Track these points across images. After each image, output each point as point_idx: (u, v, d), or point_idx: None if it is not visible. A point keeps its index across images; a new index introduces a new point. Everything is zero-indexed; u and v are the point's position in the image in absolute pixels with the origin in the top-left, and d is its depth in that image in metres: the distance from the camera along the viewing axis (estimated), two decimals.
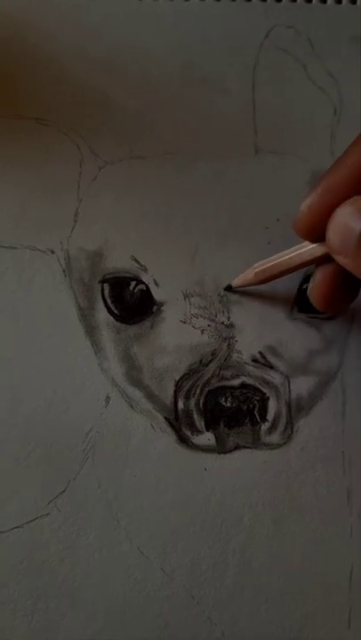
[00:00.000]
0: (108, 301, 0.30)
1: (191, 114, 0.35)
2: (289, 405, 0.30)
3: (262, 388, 0.30)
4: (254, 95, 0.35)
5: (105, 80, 0.35)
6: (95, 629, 0.26)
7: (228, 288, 0.31)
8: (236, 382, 0.29)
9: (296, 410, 0.30)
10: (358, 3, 0.38)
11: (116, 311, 0.30)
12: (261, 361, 0.30)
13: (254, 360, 0.30)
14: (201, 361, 0.30)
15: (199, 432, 0.29)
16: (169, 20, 0.36)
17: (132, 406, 0.29)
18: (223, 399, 0.29)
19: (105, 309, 0.30)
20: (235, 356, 0.30)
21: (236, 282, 0.30)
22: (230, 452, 0.29)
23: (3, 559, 0.27)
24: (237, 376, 0.30)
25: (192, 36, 0.37)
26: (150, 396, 0.29)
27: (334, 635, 0.27)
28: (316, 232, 0.26)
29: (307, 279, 0.31)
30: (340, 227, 0.24)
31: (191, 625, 0.27)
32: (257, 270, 0.29)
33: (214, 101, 0.35)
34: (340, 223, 0.24)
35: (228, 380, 0.30)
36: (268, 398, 0.30)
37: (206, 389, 0.29)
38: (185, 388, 0.29)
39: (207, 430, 0.29)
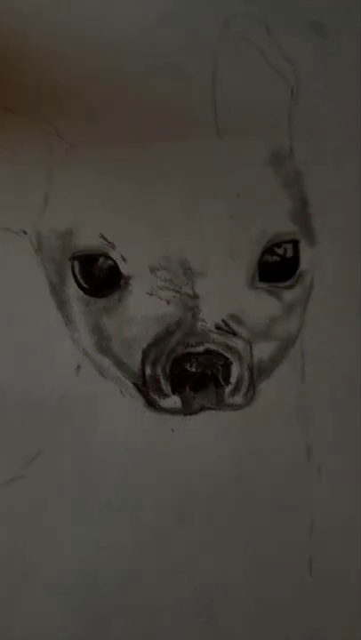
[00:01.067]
0: (78, 277, 0.33)
1: (156, 99, 0.37)
2: (251, 369, 0.32)
3: (225, 354, 0.32)
4: (215, 80, 0.37)
5: (72, 70, 0.37)
6: (69, 578, 0.28)
7: None
8: (200, 349, 0.32)
9: (258, 373, 0.32)
10: None
11: (85, 285, 0.33)
12: (225, 328, 0.32)
13: (218, 328, 0.32)
14: (167, 330, 0.32)
15: (166, 396, 0.31)
16: (134, 13, 0.38)
17: (102, 374, 0.31)
18: (188, 365, 0.31)
19: (75, 284, 0.33)
20: (199, 324, 0.32)
21: None
22: (196, 413, 0.31)
23: None
24: (202, 343, 0.32)
25: (156, 27, 0.39)
26: (119, 364, 0.31)
27: (297, 579, 0.29)
28: None
29: (267, 251, 0.33)
30: None
31: (160, 572, 0.29)
32: None
33: (177, 87, 0.38)
34: None
35: (193, 346, 0.32)
36: (231, 363, 0.32)
37: (172, 356, 0.31)
38: (152, 356, 0.31)
39: (173, 394, 0.31)
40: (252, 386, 0.33)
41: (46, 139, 0.36)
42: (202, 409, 0.32)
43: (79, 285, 0.34)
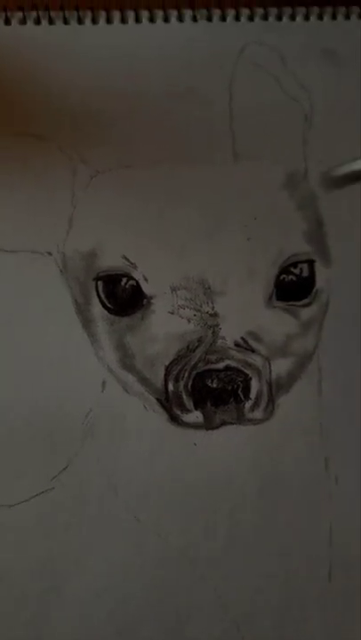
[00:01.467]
0: (102, 296, 0.34)
1: (176, 124, 0.39)
2: (270, 384, 0.33)
3: (245, 370, 0.33)
4: (232, 106, 0.39)
5: (96, 98, 0.39)
6: (98, 590, 0.30)
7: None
8: (220, 365, 0.33)
9: (276, 388, 0.33)
10: (325, 18, 0.42)
11: (109, 305, 0.34)
12: (244, 345, 0.33)
13: (237, 345, 0.33)
14: (188, 347, 0.33)
15: (188, 411, 0.32)
16: (153, 41, 0.40)
17: (126, 390, 0.32)
18: (209, 381, 0.33)
19: (99, 304, 0.34)
20: (219, 341, 0.33)
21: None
22: (217, 428, 0.32)
23: (13, 530, 0.30)
24: (222, 360, 0.33)
25: (175, 54, 0.40)
26: (143, 380, 0.33)
27: (317, 587, 0.30)
28: None
29: (284, 270, 0.35)
30: None
31: (185, 583, 0.30)
32: None
33: (196, 113, 0.39)
34: None
35: (214, 363, 0.33)
36: (250, 379, 0.33)
37: (194, 372, 0.33)
38: (174, 372, 0.33)
39: (195, 409, 0.32)
40: (272, 401, 0.34)
41: (70, 164, 0.38)
42: (223, 424, 0.33)
43: (103, 305, 0.35)
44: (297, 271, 0.36)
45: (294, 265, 0.36)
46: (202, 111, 0.39)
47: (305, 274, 0.36)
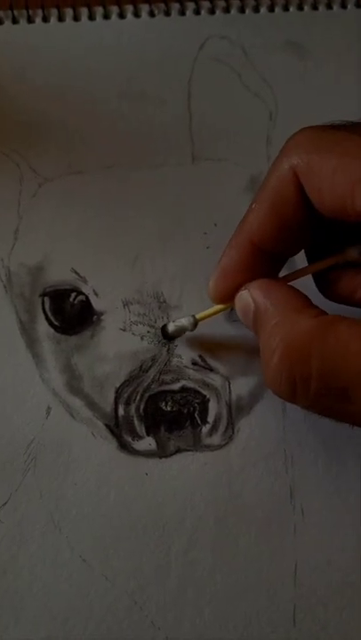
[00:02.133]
0: (49, 314, 0.31)
1: (129, 127, 0.36)
2: (230, 406, 0.30)
3: (202, 391, 0.30)
4: (190, 105, 0.36)
5: (43, 100, 0.36)
6: (38, 632, 0.26)
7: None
8: (176, 386, 0.30)
9: (237, 410, 0.30)
10: (291, 9, 0.39)
11: (56, 323, 0.31)
12: (201, 364, 0.31)
13: (194, 363, 0.31)
14: (141, 367, 0.30)
15: (140, 437, 0.29)
16: (107, 38, 0.37)
17: (72, 415, 0.30)
18: (163, 403, 0.30)
19: (45, 322, 0.31)
20: (175, 360, 0.30)
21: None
22: (171, 455, 0.29)
23: None
24: (177, 380, 0.30)
25: (130, 52, 0.38)
26: (91, 405, 0.30)
27: (280, 632, 0.27)
28: (228, 300, 0.29)
29: None
30: (240, 309, 0.28)
31: (135, 630, 0.27)
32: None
33: (152, 113, 0.37)
34: (239, 307, 0.28)
35: (169, 384, 0.30)
36: (208, 400, 0.30)
37: (147, 395, 0.30)
38: (125, 395, 0.30)
39: (148, 435, 0.30)
40: (231, 424, 0.31)
41: (17, 172, 0.35)
42: (178, 451, 0.30)
43: (50, 323, 0.32)
44: None
45: None
46: (158, 112, 0.36)
47: None
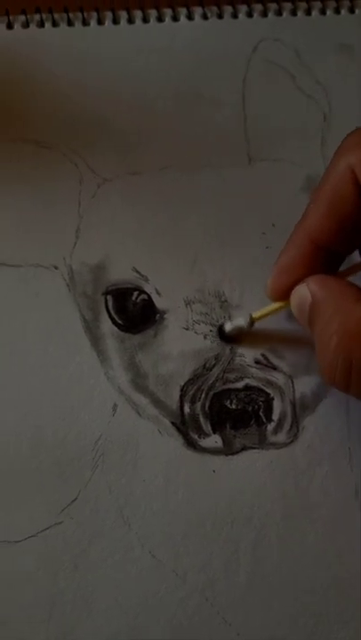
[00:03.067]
0: (112, 312, 0.31)
1: (185, 128, 0.36)
2: (294, 405, 0.30)
3: (266, 389, 0.30)
4: (245, 106, 0.36)
5: (102, 102, 0.36)
6: (110, 633, 0.27)
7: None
8: (240, 385, 0.30)
9: (301, 409, 0.30)
10: (342, 12, 0.38)
11: (119, 321, 0.31)
12: (264, 362, 0.30)
13: (257, 362, 0.30)
14: (205, 365, 0.30)
15: (206, 435, 0.29)
16: (160, 41, 0.37)
17: (138, 413, 0.29)
18: (228, 402, 0.29)
19: (109, 320, 0.31)
20: (238, 359, 0.30)
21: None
22: (237, 453, 0.29)
23: (18, 568, 0.27)
24: (241, 378, 0.30)
25: (183, 54, 0.37)
26: (156, 402, 0.30)
27: (349, 629, 0.27)
28: (285, 297, 0.29)
29: None
30: (296, 304, 0.28)
31: (206, 626, 0.27)
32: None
33: (207, 115, 0.36)
34: (295, 303, 0.28)
35: (233, 382, 0.30)
36: (272, 399, 0.30)
37: (211, 393, 0.30)
38: (190, 393, 0.30)
39: (214, 433, 0.29)
40: (296, 422, 0.31)
41: (77, 172, 0.35)
42: (243, 448, 0.30)
43: (113, 321, 0.32)
44: None
45: None
46: (213, 113, 0.36)
47: None
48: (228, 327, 0.31)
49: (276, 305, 0.30)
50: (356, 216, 0.27)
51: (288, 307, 0.29)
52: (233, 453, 0.30)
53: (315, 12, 0.40)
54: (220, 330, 0.32)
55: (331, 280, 0.27)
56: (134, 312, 0.32)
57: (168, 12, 0.39)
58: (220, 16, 0.39)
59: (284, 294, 0.29)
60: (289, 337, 0.32)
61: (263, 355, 0.31)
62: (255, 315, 0.31)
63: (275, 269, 0.29)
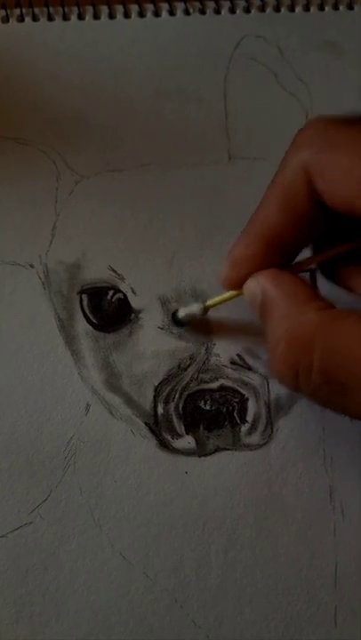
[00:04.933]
0: (87, 311, 0.31)
1: (165, 125, 0.36)
2: (268, 406, 0.30)
3: (241, 390, 0.30)
4: (226, 104, 0.36)
5: (80, 98, 0.36)
6: (80, 636, 0.27)
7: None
8: (214, 385, 0.30)
9: (275, 410, 0.30)
10: (326, 9, 0.38)
11: (94, 320, 0.31)
12: (240, 363, 0.30)
13: (233, 362, 0.30)
14: (180, 365, 0.30)
15: (179, 436, 0.29)
16: (142, 36, 0.37)
17: (111, 413, 0.29)
18: (202, 402, 0.29)
19: (84, 319, 0.31)
20: (213, 359, 0.30)
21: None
22: (210, 454, 0.29)
23: None
24: (216, 379, 0.30)
25: (165, 50, 0.37)
26: (130, 402, 0.29)
27: (321, 633, 0.27)
28: (238, 287, 0.29)
29: None
30: (248, 298, 0.28)
31: (175, 628, 0.27)
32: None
33: (188, 112, 0.36)
34: (247, 296, 0.28)
35: (207, 383, 0.30)
36: (247, 399, 0.30)
37: (185, 393, 0.29)
38: (164, 393, 0.30)
39: (187, 434, 0.29)
40: (270, 424, 0.31)
41: (54, 169, 0.34)
42: (217, 450, 0.30)
43: (88, 320, 0.32)
44: None
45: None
46: (194, 110, 0.36)
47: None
48: (181, 313, 0.31)
49: (229, 294, 0.30)
50: (308, 212, 0.27)
51: (241, 296, 0.29)
52: (206, 455, 0.30)
53: (298, 9, 0.40)
54: (174, 315, 0.32)
55: (281, 277, 0.27)
56: (109, 311, 0.32)
57: (150, 7, 0.39)
58: (202, 11, 0.39)
59: (236, 285, 0.28)
60: (265, 337, 0.32)
61: (239, 355, 0.31)
62: (208, 302, 0.31)
63: (228, 260, 0.29)
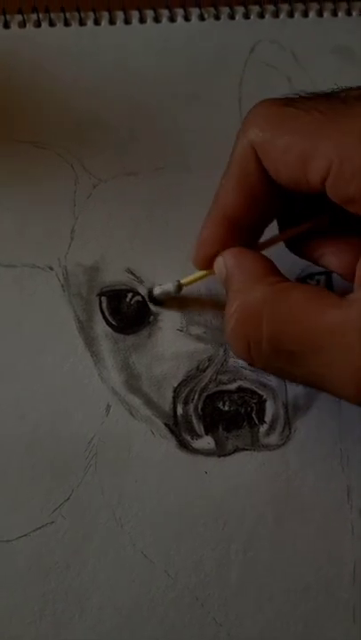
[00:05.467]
0: (106, 313, 0.31)
1: (181, 129, 0.36)
2: (286, 406, 0.30)
3: (259, 391, 0.30)
4: (241, 108, 0.36)
5: (97, 102, 0.36)
6: (102, 633, 0.27)
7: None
8: (233, 386, 0.30)
9: (293, 410, 0.30)
10: (339, 14, 0.39)
11: (114, 322, 0.31)
12: None
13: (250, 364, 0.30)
14: (198, 367, 0.31)
15: (198, 436, 0.30)
16: (158, 42, 0.37)
17: (132, 414, 0.30)
18: (221, 403, 0.30)
19: (103, 321, 0.31)
20: (231, 360, 0.31)
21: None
22: (230, 454, 0.30)
23: (10, 567, 0.28)
24: (234, 380, 0.30)
25: (180, 55, 0.38)
26: (149, 403, 0.30)
27: (340, 630, 0.27)
28: (210, 266, 0.30)
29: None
30: (217, 275, 0.29)
31: (197, 626, 0.27)
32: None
33: (204, 116, 0.37)
34: (217, 274, 0.29)
35: (226, 384, 0.30)
36: (265, 400, 0.30)
37: (204, 394, 0.30)
38: (183, 394, 0.30)
39: (206, 434, 0.30)
40: (288, 424, 0.31)
41: (72, 173, 0.35)
42: (236, 450, 0.30)
43: (107, 322, 0.32)
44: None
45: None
46: (209, 114, 0.36)
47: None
48: (156, 291, 0.32)
49: (201, 273, 0.31)
50: (262, 191, 0.28)
51: (213, 274, 0.30)
52: (225, 455, 0.30)
53: (312, 14, 0.40)
54: (150, 294, 0.32)
55: (244, 254, 0.28)
56: (128, 313, 0.32)
57: (165, 12, 0.40)
58: (217, 17, 0.40)
59: (204, 264, 0.30)
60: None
61: None
62: (183, 280, 0.32)
63: (197, 243, 0.30)
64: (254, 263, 0.27)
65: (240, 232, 0.29)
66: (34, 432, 0.30)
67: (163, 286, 0.32)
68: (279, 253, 0.30)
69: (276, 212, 0.29)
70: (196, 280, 0.32)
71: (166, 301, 0.33)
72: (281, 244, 0.31)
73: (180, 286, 0.32)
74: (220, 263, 0.28)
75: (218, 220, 0.28)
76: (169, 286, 0.32)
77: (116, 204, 0.35)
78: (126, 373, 0.32)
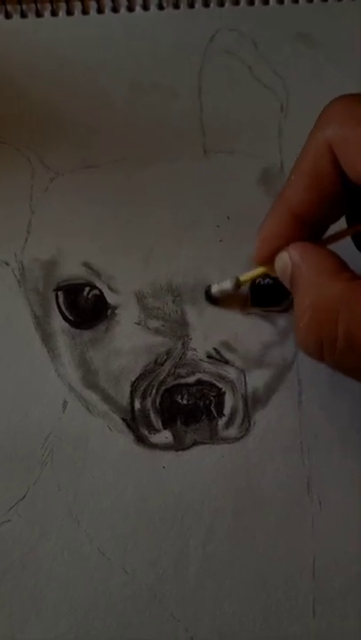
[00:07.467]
0: (63, 308, 0.31)
1: (140, 120, 0.36)
2: (245, 399, 0.30)
3: (218, 384, 0.30)
4: (201, 97, 0.36)
5: (55, 94, 0.36)
6: (59, 632, 0.27)
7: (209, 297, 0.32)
8: (191, 379, 0.30)
9: (253, 403, 0.30)
10: (300, 1, 0.38)
11: (70, 317, 0.31)
12: (216, 357, 0.30)
13: (209, 356, 0.30)
14: (156, 361, 0.30)
15: (156, 431, 0.29)
16: (116, 32, 0.37)
17: (88, 409, 0.29)
18: (179, 397, 0.29)
19: (60, 316, 0.31)
20: (190, 353, 0.30)
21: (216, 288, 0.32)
22: (188, 448, 0.29)
23: None
24: (193, 373, 0.30)
25: (139, 45, 0.37)
26: (107, 399, 0.30)
27: (299, 625, 0.27)
28: (270, 262, 0.29)
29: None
30: (279, 270, 0.29)
31: (154, 623, 0.27)
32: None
33: (163, 106, 0.36)
34: (278, 269, 0.29)
35: (184, 377, 0.30)
36: (224, 393, 0.30)
37: (162, 388, 0.30)
38: (141, 389, 0.30)
39: (164, 428, 0.29)
40: (247, 417, 0.31)
41: (29, 166, 0.34)
42: (194, 444, 0.30)
43: (64, 317, 0.32)
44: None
45: None
46: (169, 104, 0.36)
47: None
48: (214, 289, 0.32)
49: (260, 269, 0.30)
50: (334, 189, 0.27)
51: (272, 271, 0.30)
52: (184, 449, 0.30)
53: (272, 2, 0.40)
54: (207, 291, 0.32)
55: (311, 249, 0.27)
56: (85, 308, 0.32)
57: (123, 2, 0.39)
58: (176, 6, 0.39)
59: (266, 260, 0.29)
60: (241, 331, 0.32)
61: (215, 349, 0.31)
62: (242, 277, 0.31)
63: (258, 239, 0.29)
64: (323, 259, 0.26)
65: (306, 228, 0.28)
66: None
67: (221, 284, 0.32)
68: (238, 240, 0.30)
69: (344, 209, 0.28)
70: (255, 277, 0.31)
71: (223, 299, 0.32)
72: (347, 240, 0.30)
73: (238, 284, 0.31)
74: (284, 258, 0.27)
75: (283, 216, 0.28)
76: (227, 284, 0.31)
77: (75, 197, 0.34)
78: (83, 369, 0.31)
